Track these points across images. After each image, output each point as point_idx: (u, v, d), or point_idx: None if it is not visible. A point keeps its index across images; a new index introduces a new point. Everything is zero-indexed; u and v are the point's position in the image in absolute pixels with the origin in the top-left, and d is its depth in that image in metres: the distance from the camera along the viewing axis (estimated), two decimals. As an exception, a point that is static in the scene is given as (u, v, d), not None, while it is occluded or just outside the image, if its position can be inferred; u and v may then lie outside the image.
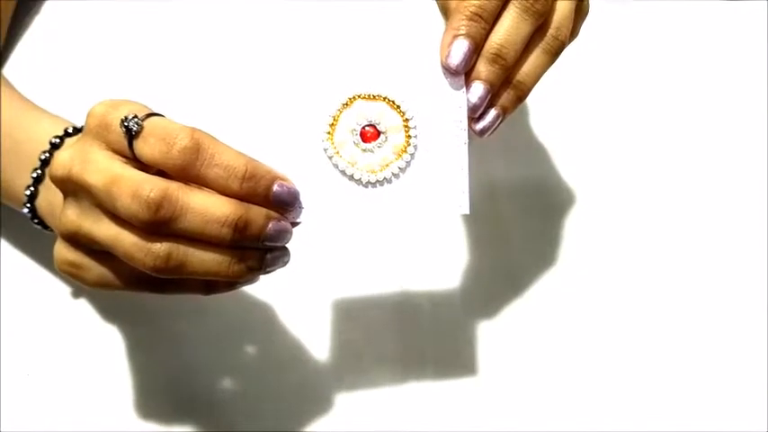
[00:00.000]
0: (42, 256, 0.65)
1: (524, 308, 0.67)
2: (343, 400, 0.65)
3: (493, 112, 0.52)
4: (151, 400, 0.65)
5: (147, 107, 0.50)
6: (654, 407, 0.67)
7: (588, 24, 0.55)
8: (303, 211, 0.51)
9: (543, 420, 0.66)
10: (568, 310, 0.67)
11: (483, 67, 0.51)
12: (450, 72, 0.51)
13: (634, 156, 0.70)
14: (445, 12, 0.52)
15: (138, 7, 0.65)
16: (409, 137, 0.51)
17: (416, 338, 0.66)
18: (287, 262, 0.51)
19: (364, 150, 0.51)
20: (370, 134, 0.51)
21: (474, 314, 0.66)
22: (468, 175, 0.51)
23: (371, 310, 0.66)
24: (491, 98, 0.51)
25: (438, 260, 0.66)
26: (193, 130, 0.48)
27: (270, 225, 0.49)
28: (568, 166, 0.69)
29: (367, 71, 0.51)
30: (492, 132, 0.52)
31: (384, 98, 0.51)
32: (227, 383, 0.65)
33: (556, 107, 0.69)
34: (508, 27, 0.51)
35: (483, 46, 0.51)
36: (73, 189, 0.50)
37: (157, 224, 0.47)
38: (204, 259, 0.49)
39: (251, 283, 0.52)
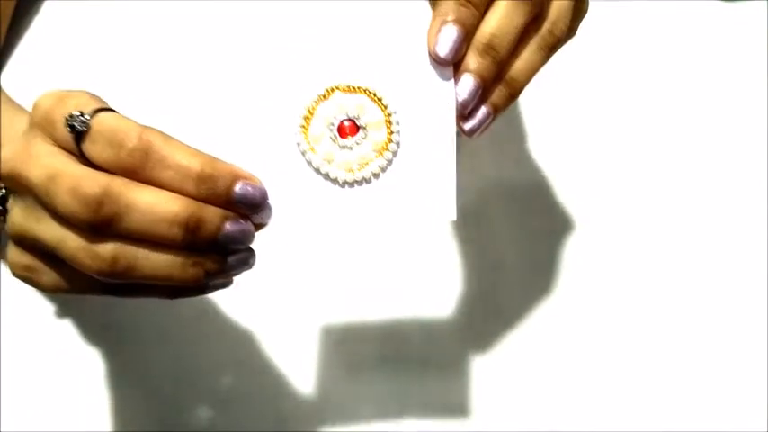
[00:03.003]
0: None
1: (523, 326, 0.66)
2: (344, 402, 0.64)
3: (483, 110, 0.47)
4: (152, 402, 0.64)
5: (96, 99, 0.46)
6: (654, 407, 0.66)
7: (586, 24, 0.53)
8: (272, 212, 0.46)
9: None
10: (567, 328, 0.66)
11: (473, 59, 0.46)
12: (438, 62, 0.46)
13: (632, 157, 0.68)
14: None
15: (137, 8, 0.63)
16: (391, 133, 0.47)
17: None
18: (252, 264, 0.46)
19: (342, 147, 0.47)
20: (348, 129, 0.47)
21: (465, 346, 0.65)
22: (457, 178, 0.47)
23: (368, 324, 0.65)
24: (482, 94, 0.47)
25: (431, 268, 0.65)
26: (143, 129, 0.44)
27: (227, 225, 0.44)
28: (564, 168, 0.68)
29: (347, 60, 0.46)
30: (481, 132, 0.47)
31: (365, 90, 0.47)
32: (227, 385, 0.64)
33: (552, 107, 0.67)
34: (501, 16, 0.46)
35: (473, 35, 0.46)
36: (17, 186, 0.46)
37: (100, 224, 0.43)
38: (155, 262, 0.44)
39: (223, 286, 0.48)
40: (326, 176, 0.47)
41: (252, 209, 0.45)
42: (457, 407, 0.65)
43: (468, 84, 0.46)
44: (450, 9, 0.46)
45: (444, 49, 0.46)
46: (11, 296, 0.64)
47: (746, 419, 0.66)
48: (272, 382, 0.64)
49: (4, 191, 0.52)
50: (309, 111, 0.47)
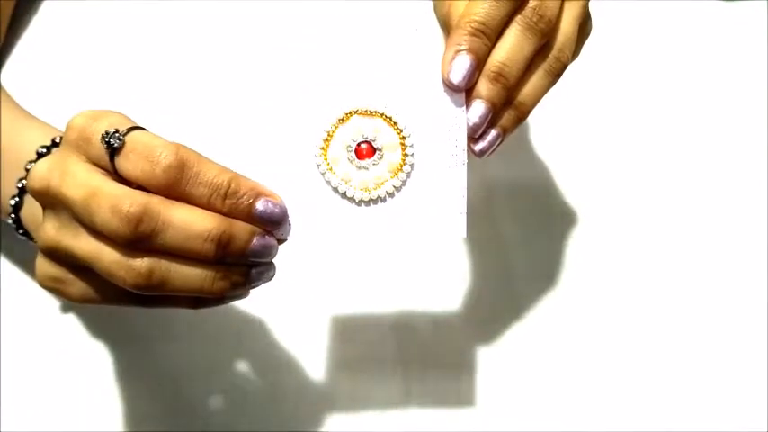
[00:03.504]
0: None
1: (524, 324, 0.67)
2: (347, 400, 0.65)
3: (493, 133, 0.50)
4: (152, 402, 0.65)
5: (128, 119, 0.48)
6: (654, 407, 0.67)
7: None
8: (292, 228, 0.49)
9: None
10: (570, 326, 0.67)
11: (484, 86, 0.49)
12: (451, 89, 0.49)
13: (632, 156, 0.69)
14: (446, 26, 0.50)
15: (135, 9, 0.64)
16: (406, 155, 0.49)
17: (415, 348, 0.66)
18: (272, 277, 0.49)
19: (359, 167, 0.49)
20: (365, 151, 0.49)
21: (473, 333, 0.66)
22: (467, 197, 0.50)
23: (370, 323, 0.65)
24: (492, 118, 0.49)
25: (436, 269, 0.66)
26: (177, 146, 0.46)
27: (254, 240, 0.47)
28: (566, 166, 0.69)
29: (365, 86, 0.49)
30: (491, 153, 0.50)
31: (381, 114, 0.49)
32: (227, 385, 0.65)
33: (553, 107, 0.68)
34: (511, 45, 0.49)
35: (485, 63, 0.49)
36: (51, 202, 0.48)
37: (138, 240, 0.45)
38: (187, 275, 0.47)
39: (240, 297, 0.50)
40: (344, 195, 0.49)
41: (272, 225, 0.48)
42: (463, 404, 0.66)
43: (479, 109, 0.49)
44: (463, 39, 0.48)
45: (457, 77, 0.48)
46: (14, 292, 0.65)
47: (746, 419, 0.66)
48: (275, 381, 0.65)
49: (17, 200, 0.54)
50: (329, 134, 0.49)
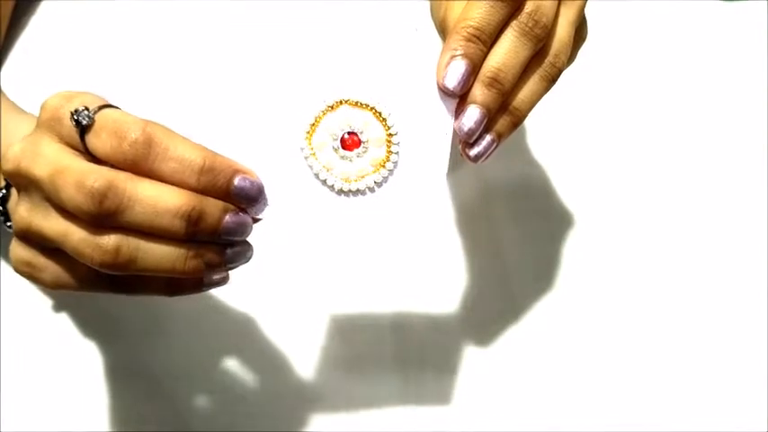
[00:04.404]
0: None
1: (523, 325, 0.67)
2: (341, 403, 0.65)
3: (488, 138, 0.49)
4: (146, 402, 0.65)
5: (101, 99, 0.47)
6: (654, 407, 0.66)
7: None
8: (268, 207, 0.49)
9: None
10: (568, 327, 0.67)
11: (479, 91, 0.48)
12: (446, 94, 0.49)
13: (631, 158, 0.69)
14: (443, 31, 0.50)
15: (134, 9, 0.64)
16: (390, 152, 0.49)
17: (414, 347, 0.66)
18: (250, 257, 0.49)
19: (342, 157, 0.49)
20: (350, 142, 0.49)
21: (471, 334, 0.66)
22: (461, 200, 0.49)
23: (368, 323, 0.65)
24: (486, 123, 0.49)
25: (434, 269, 0.66)
26: (146, 122, 0.46)
27: (227, 217, 0.47)
28: (564, 168, 0.68)
29: (359, 78, 0.49)
30: (485, 159, 0.50)
31: (371, 108, 0.49)
32: (223, 385, 0.64)
33: (552, 107, 0.67)
34: (506, 50, 0.48)
35: (480, 68, 0.48)
36: (23, 183, 0.48)
37: (103, 216, 0.45)
38: (157, 254, 0.46)
39: (220, 284, 0.50)
40: (324, 183, 0.49)
41: (249, 202, 0.48)
42: (461, 405, 0.65)
43: (474, 114, 0.49)
44: (458, 44, 0.48)
45: (452, 82, 0.48)
46: (8, 291, 0.65)
47: (746, 419, 0.66)
48: (271, 381, 0.65)
49: (3, 191, 0.54)
50: (316, 119, 0.49)
